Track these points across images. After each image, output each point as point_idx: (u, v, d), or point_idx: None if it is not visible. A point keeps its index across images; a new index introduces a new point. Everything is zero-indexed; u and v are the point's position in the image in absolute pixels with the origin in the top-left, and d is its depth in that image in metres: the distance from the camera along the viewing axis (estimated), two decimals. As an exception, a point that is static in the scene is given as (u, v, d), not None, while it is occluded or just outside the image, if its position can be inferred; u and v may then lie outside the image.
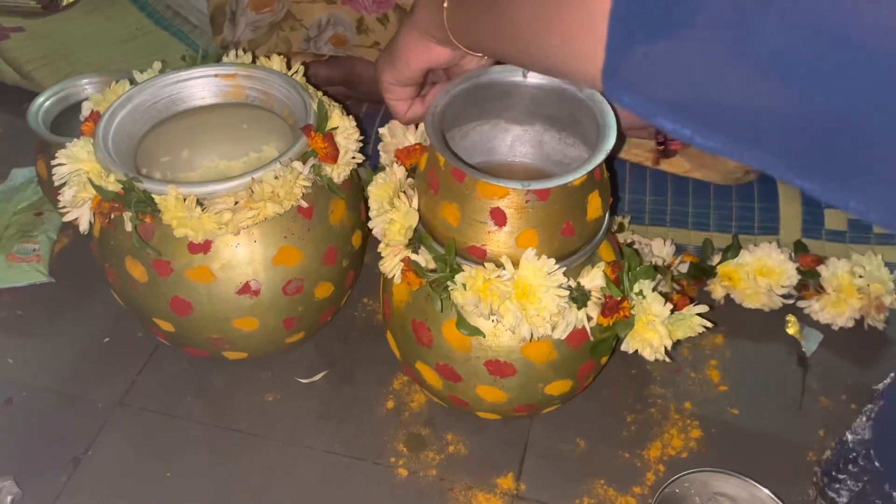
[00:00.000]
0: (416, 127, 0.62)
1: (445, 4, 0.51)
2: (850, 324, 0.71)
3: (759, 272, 0.71)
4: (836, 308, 0.71)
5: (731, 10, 0.32)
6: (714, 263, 0.73)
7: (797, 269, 0.72)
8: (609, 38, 0.38)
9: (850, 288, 0.70)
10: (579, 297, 0.54)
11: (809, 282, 0.72)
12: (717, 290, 0.74)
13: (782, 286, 0.72)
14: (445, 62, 0.56)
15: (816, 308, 0.72)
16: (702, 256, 0.75)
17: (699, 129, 0.36)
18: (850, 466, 0.52)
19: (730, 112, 0.35)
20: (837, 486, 0.54)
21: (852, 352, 0.71)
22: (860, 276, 0.70)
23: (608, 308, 0.54)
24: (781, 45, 0.31)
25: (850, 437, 0.52)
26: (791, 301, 0.73)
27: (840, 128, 0.32)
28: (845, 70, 0.30)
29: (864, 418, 0.52)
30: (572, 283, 0.54)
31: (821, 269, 0.71)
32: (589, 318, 0.55)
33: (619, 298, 0.54)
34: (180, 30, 1.08)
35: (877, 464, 0.50)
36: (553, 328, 0.54)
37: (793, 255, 0.73)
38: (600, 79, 0.40)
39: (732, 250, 0.72)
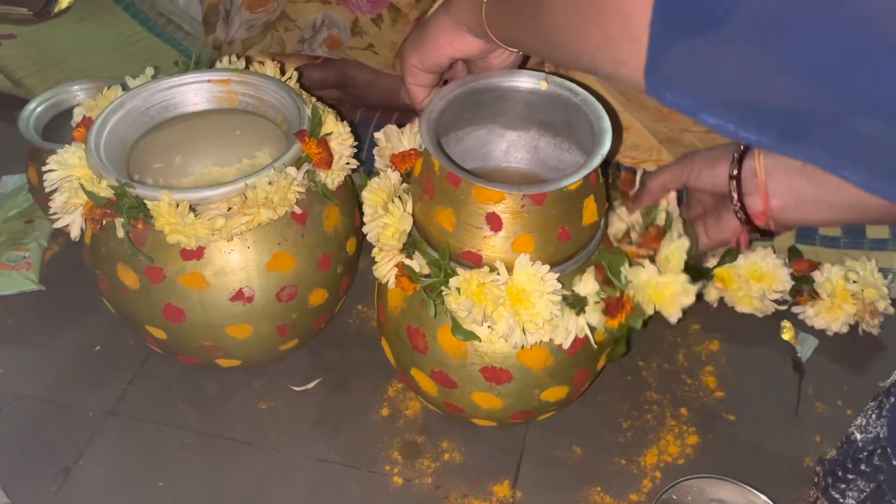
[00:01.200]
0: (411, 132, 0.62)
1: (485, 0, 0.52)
2: (845, 329, 0.71)
3: (752, 276, 0.71)
4: (831, 313, 0.71)
5: (766, 8, 0.33)
6: (711, 266, 0.73)
7: (791, 274, 0.71)
8: (650, 40, 0.38)
9: (844, 293, 0.70)
10: (576, 302, 0.54)
11: (804, 287, 0.72)
12: (711, 293, 0.74)
13: (775, 291, 0.71)
14: (476, 53, 0.56)
15: (811, 313, 0.72)
16: (700, 261, 0.75)
17: (742, 124, 0.37)
18: (861, 466, 0.51)
19: (771, 107, 0.36)
20: (844, 486, 0.53)
21: (847, 357, 0.71)
22: (854, 282, 0.71)
23: (611, 308, 0.54)
24: (815, 43, 0.32)
25: (858, 435, 0.52)
26: (784, 307, 0.73)
27: (878, 121, 0.33)
28: (881, 66, 0.31)
29: (874, 415, 0.51)
30: (566, 292, 0.54)
31: (815, 274, 0.72)
32: (591, 327, 0.54)
33: (618, 296, 0.54)
34: (173, 37, 1.08)
35: (895, 462, 0.49)
36: (554, 335, 0.53)
37: (787, 260, 0.73)
38: (642, 81, 0.40)
39: (731, 255, 0.72)
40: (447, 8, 0.55)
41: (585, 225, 0.55)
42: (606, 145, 0.52)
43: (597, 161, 0.52)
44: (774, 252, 0.72)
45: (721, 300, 0.74)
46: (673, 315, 0.54)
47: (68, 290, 0.78)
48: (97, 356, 0.73)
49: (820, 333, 0.72)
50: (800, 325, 0.73)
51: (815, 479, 0.57)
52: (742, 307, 0.73)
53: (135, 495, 0.62)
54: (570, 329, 0.53)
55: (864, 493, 0.51)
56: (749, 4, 0.33)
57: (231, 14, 0.91)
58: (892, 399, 0.50)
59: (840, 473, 0.53)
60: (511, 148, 0.63)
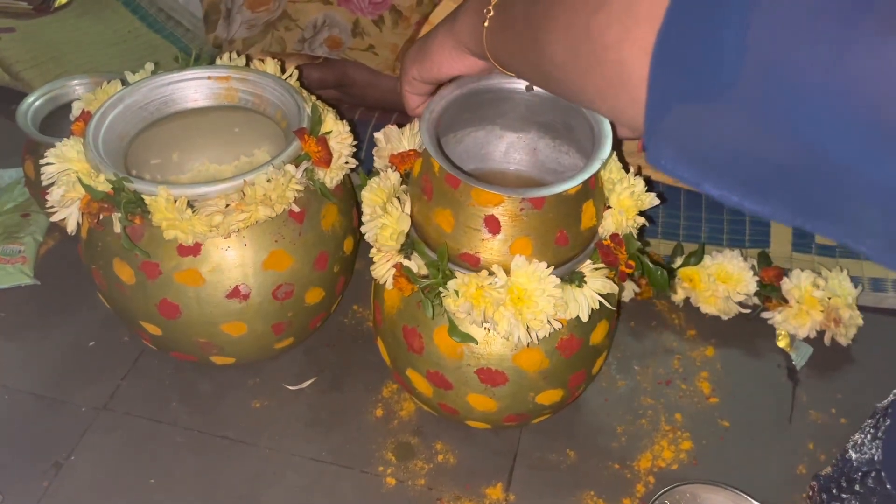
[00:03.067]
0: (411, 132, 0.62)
1: (486, 24, 0.51)
2: (813, 335, 0.72)
3: (717, 277, 0.72)
4: (798, 319, 0.71)
5: (769, 83, 0.31)
6: (676, 266, 0.74)
7: (757, 281, 0.72)
8: (648, 107, 0.37)
9: (811, 300, 0.71)
10: (573, 277, 0.54)
11: (773, 293, 0.72)
12: (678, 292, 0.75)
13: (739, 293, 0.72)
14: (476, 72, 0.56)
15: (779, 319, 0.72)
16: (670, 259, 0.75)
17: (748, 196, 0.35)
18: (855, 486, 0.51)
19: (776, 180, 0.34)
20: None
21: (842, 366, 0.72)
22: (821, 289, 0.71)
23: (609, 258, 0.55)
24: (820, 117, 0.31)
25: (853, 454, 0.52)
26: (748, 310, 0.74)
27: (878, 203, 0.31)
28: (884, 152, 0.30)
29: (868, 436, 0.51)
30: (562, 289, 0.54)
31: (784, 280, 0.72)
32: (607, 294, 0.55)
33: (623, 264, 0.55)
34: (172, 33, 1.08)
35: (889, 487, 0.49)
36: (567, 314, 0.54)
37: (756, 266, 0.73)
38: (640, 129, 0.39)
39: (696, 256, 0.73)
40: (451, 25, 0.55)
41: (584, 229, 0.55)
42: (607, 149, 0.52)
43: (597, 166, 0.52)
44: (744, 257, 0.73)
45: (686, 300, 0.75)
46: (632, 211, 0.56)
47: (63, 285, 0.78)
48: (91, 351, 0.72)
49: (816, 342, 0.72)
50: (768, 331, 0.73)
51: (810, 493, 0.57)
52: (707, 307, 0.74)
53: (126, 492, 0.62)
54: (580, 301, 0.54)
55: None
56: (752, 78, 0.32)
57: (232, 13, 0.91)
58: (889, 421, 0.50)
59: (834, 491, 0.53)
60: (510, 149, 0.63)
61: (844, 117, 0.30)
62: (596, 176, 0.54)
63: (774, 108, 0.32)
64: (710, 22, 0.32)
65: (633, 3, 0.36)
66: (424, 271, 0.55)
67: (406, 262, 0.56)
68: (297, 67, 0.69)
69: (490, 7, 0.50)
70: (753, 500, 0.58)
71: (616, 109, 0.41)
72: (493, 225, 0.52)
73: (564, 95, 0.48)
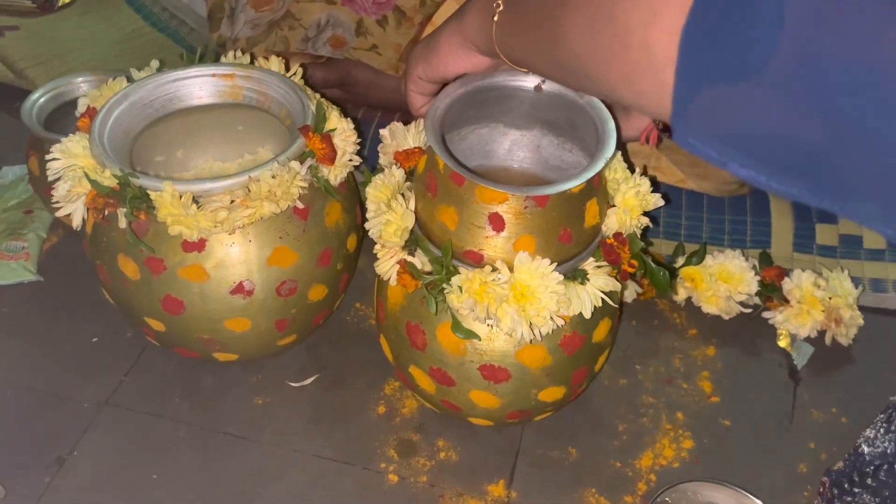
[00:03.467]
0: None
1: (496, 18, 0.50)
2: (814, 335, 0.72)
3: (719, 276, 0.72)
4: (799, 319, 0.71)
5: (802, 59, 0.31)
6: (677, 266, 0.74)
7: (759, 281, 0.72)
8: (676, 85, 0.36)
9: (812, 300, 0.71)
10: (576, 274, 0.54)
11: (774, 293, 0.73)
12: (680, 292, 0.75)
13: (740, 293, 0.72)
14: (483, 70, 0.56)
15: (780, 319, 0.72)
16: (671, 259, 0.76)
17: (775, 176, 0.35)
18: (867, 480, 0.51)
19: (806, 160, 0.34)
20: (850, 499, 0.52)
21: (843, 365, 0.72)
22: (822, 289, 0.71)
23: (611, 256, 0.55)
24: (859, 95, 0.30)
25: (866, 448, 0.52)
26: (749, 310, 0.74)
27: None
28: None
29: (882, 429, 0.51)
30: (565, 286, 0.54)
31: (785, 280, 0.72)
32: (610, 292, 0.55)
33: (626, 263, 0.55)
34: (177, 32, 1.08)
35: None
36: (570, 311, 0.54)
37: (757, 266, 0.74)
38: (665, 114, 0.38)
39: (697, 255, 0.74)
40: (457, 22, 0.55)
41: (587, 227, 0.55)
42: (611, 148, 0.52)
43: (601, 164, 0.52)
44: (745, 257, 0.73)
45: (688, 300, 0.75)
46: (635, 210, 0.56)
47: (66, 281, 0.78)
48: (94, 347, 0.73)
49: (817, 342, 0.73)
50: (769, 330, 0.73)
51: (821, 489, 0.57)
52: (708, 307, 0.74)
53: (128, 487, 0.62)
54: (583, 298, 0.54)
55: None
56: (788, 55, 0.31)
57: (236, 12, 0.91)
58: None
59: (846, 486, 0.53)
60: (514, 146, 0.63)
61: (884, 95, 0.29)
62: (600, 174, 0.54)
63: (811, 86, 0.31)
64: None
65: None
66: (428, 268, 0.55)
67: (410, 259, 0.56)
68: (300, 65, 0.69)
69: (499, 2, 0.50)
70: (755, 499, 0.58)
71: (641, 94, 0.40)
72: (497, 222, 0.52)
73: (582, 86, 0.47)
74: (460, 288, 0.53)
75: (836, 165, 0.33)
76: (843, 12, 0.29)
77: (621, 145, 0.55)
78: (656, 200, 0.57)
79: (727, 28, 0.33)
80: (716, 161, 0.36)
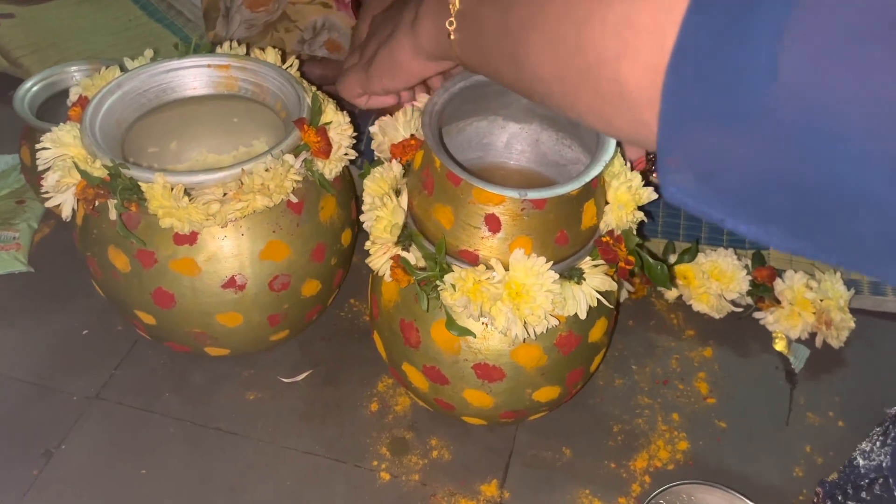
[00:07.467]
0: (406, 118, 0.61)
1: (452, 37, 0.46)
2: (805, 336, 0.71)
3: (711, 274, 0.72)
4: (790, 321, 0.71)
5: (802, 104, 0.28)
6: (670, 263, 0.74)
7: (750, 281, 0.72)
8: (660, 135, 0.32)
9: (804, 301, 0.70)
10: (572, 273, 0.54)
11: (765, 294, 0.72)
12: (671, 290, 0.75)
13: (731, 291, 0.72)
14: (449, 68, 0.54)
15: (770, 320, 0.72)
16: (662, 256, 0.75)
17: (778, 233, 0.31)
18: (862, 493, 0.50)
19: (811, 214, 0.31)
20: None
21: (840, 369, 0.71)
22: (814, 291, 0.70)
23: (608, 255, 0.55)
24: (857, 146, 0.27)
25: (861, 461, 0.51)
26: (741, 309, 0.73)
27: None
28: None
29: (878, 443, 0.51)
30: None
31: (777, 281, 0.72)
32: (604, 291, 0.55)
33: (623, 260, 0.54)
34: (173, 22, 1.07)
35: None
36: (565, 311, 0.54)
37: (749, 266, 0.73)
38: (645, 147, 0.36)
39: (690, 253, 0.73)
40: (414, 34, 0.51)
41: (584, 228, 0.54)
42: (610, 150, 0.52)
43: (600, 167, 0.51)
44: (738, 256, 0.72)
45: (679, 297, 0.75)
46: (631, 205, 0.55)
47: (57, 273, 0.77)
48: (84, 340, 0.72)
49: (810, 345, 0.72)
50: (761, 331, 0.73)
51: (815, 500, 0.57)
52: (699, 305, 0.73)
53: (117, 482, 0.61)
54: (578, 298, 0.53)
55: None
56: (784, 99, 0.28)
57: (231, 11, 0.90)
58: None
59: (840, 498, 0.53)
60: (512, 140, 0.62)
61: (884, 147, 0.27)
62: (598, 175, 0.53)
63: (808, 133, 0.28)
64: (737, 35, 0.29)
65: (631, 11, 0.32)
66: (422, 263, 0.54)
67: (404, 255, 0.55)
68: (297, 57, 0.68)
69: (451, 19, 0.45)
70: (749, 502, 0.57)
71: (614, 128, 0.37)
72: (493, 223, 0.51)
73: (552, 108, 0.43)
74: (454, 286, 0.52)
75: (839, 220, 0.30)
76: (842, 58, 0.27)
77: (619, 143, 0.54)
78: (649, 194, 0.56)
79: (716, 72, 0.29)
80: (714, 218, 0.33)
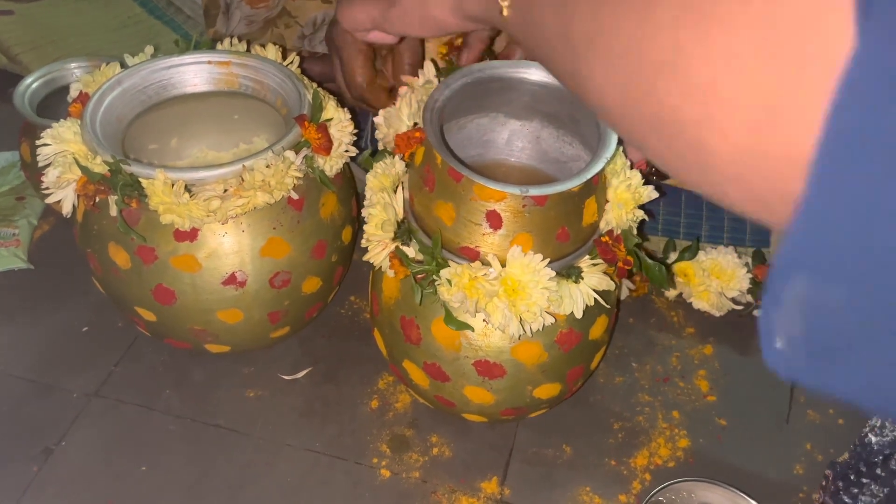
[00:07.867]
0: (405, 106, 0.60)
1: (505, 13, 0.41)
2: None
3: (711, 272, 0.72)
4: None
5: None
6: (670, 261, 0.74)
7: (751, 279, 0.72)
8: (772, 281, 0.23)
9: None
10: (570, 272, 0.53)
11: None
12: (671, 289, 0.75)
13: (731, 289, 0.72)
14: (490, 28, 0.52)
15: None
16: (662, 255, 0.75)
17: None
18: (876, 470, 0.50)
19: None
20: (856, 490, 0.51)
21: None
22: None
23: (607, 254, 0.54)
24: None
25: (873, 438, 0.51)
26: (741, 307, 0.73)
27: None
28: None
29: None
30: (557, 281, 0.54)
31: None
32: (601, 290, 0.55)
33: (621, 260, 0.54)
34: (173, 20, 1.07)
35: None
36: (561, 309, 0.53)
37: (750, 264, 0.73)
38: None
39: (690, 251, 0.73)
40: None
41: (585, 225, 0.54)
42: (612, 147, 0.52)
43: (601, 164, 0.51)
44: (739, 254, 0.72)
45: (679, 295, 0.75)
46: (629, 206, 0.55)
47: (57, 270, 0.77)
48: (84, 337, 0.72)
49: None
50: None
51: (823, 483, 0.56)
52: (699, 302, 0.73)
53: (117, 479, 0.61)
54: (575, 296, 0.53)
55: (878, 498, 0.50)
56: None
57: (231, 7, 0.90)
58: None
59: (852, 477, 0.52)
60: (513, 137, 0.62)
61: None
62: (599, 172, 0.53)
63: None
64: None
65: (714, 82, 0.24)
66: (421, 258, 0.54)
67: (404, 248, 0.55)
68: (297, 54, 0.68)
69: None
70: (749, 499, 0.57)
71: (683, 177, 0.28)
72: (494, 220, 0.51)
73: (601, 118, 0.35)
74: (449, 281, 0.52)
75: None
76: None
77: (621, 140, 0.54)
78: (649, 193, 0.56)
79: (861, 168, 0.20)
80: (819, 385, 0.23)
